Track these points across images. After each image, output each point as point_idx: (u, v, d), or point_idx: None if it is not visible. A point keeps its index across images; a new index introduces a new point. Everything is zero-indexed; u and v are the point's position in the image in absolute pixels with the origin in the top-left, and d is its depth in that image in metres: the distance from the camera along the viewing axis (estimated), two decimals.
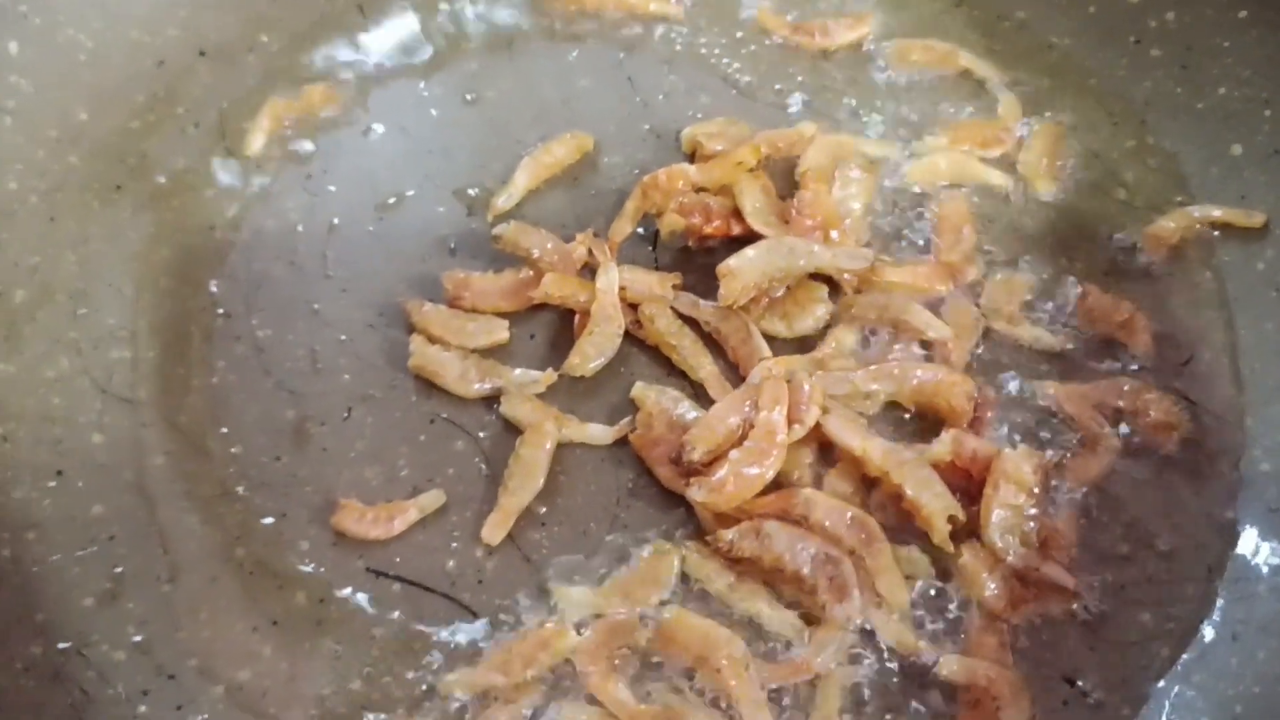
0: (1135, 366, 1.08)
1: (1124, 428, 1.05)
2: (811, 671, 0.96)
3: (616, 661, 0.96)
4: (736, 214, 1.13)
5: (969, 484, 1.02)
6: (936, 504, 0.98)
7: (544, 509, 1.03)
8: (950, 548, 0.98)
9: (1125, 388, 1.06)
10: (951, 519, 0.98)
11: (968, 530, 1.00)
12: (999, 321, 1.11)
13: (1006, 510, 0.99)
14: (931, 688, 0.95)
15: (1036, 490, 1.00)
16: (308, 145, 1.21)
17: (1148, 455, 1.04)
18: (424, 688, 0.96)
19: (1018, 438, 1.05)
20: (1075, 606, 0.98)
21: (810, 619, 0.98)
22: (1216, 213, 1.13)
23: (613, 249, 1.11)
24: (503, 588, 1.00)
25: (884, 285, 1.11)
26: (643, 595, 0.99)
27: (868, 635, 0.97)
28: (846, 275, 1.11)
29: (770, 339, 1.10)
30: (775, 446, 1.00)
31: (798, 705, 0.95)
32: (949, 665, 0.95)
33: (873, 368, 1.06)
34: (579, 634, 0.96)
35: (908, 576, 0.99)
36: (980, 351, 1.09)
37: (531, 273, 1.11)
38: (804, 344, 1.10)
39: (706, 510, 1.01)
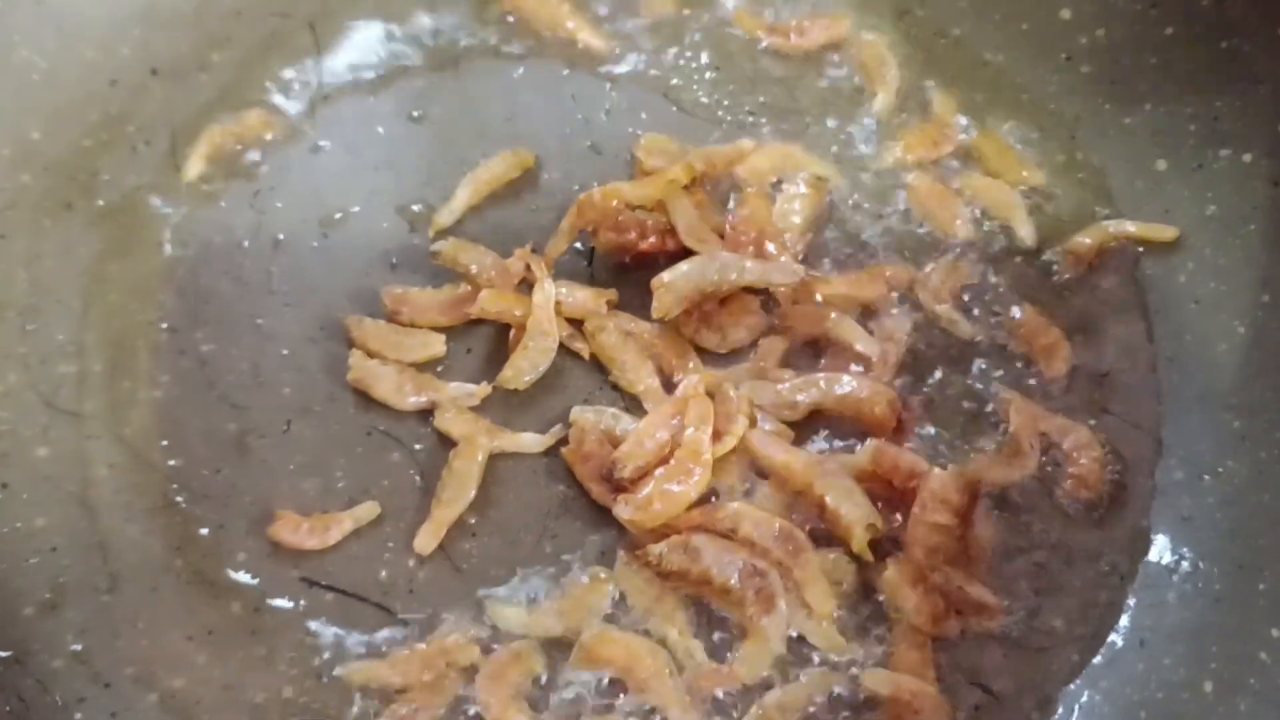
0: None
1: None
2: (739, 681, 0.98)
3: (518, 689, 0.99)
4: (672, 231, 1.15)
5: (891, 493, 1.04)
6: (855, 514, 1.01)
7: (475, 520, 1.06)
8: (869, 556, 1.01)
9: (1072, 435, 1.07)
10: (870, 527, 1.01)
11: (892, 541, 1.02)
12: (925, 294, 1.13)
13: (932, 529, 1.01)
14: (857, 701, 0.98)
15: (964, 510, 1.02)
16: (255, 163, 1.23)
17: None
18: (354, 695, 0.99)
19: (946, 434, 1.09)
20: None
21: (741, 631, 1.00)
22: (1130, 227, 1.15)
23: (548, 265, 1.14)
24: (433, 597, 1.03)
25: (817, 297, 1.14)
26: (576, 619, 1.01)
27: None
28: (780, 289, 1.13)
29: (704, 351, 1.12)
30: (700, 464, 1.02)
31: None
32: (873, 678, 0.98)
33: (799, 379, 1.08)
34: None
35: (835, 583, 1.01)
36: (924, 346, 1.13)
37: (469, 288, 1.14)
38: (737, 356, 1.13)
39: (635, 526, 1.03)
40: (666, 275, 1.09)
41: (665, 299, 1.09)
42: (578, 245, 1.18)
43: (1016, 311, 1.13)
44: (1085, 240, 1.15)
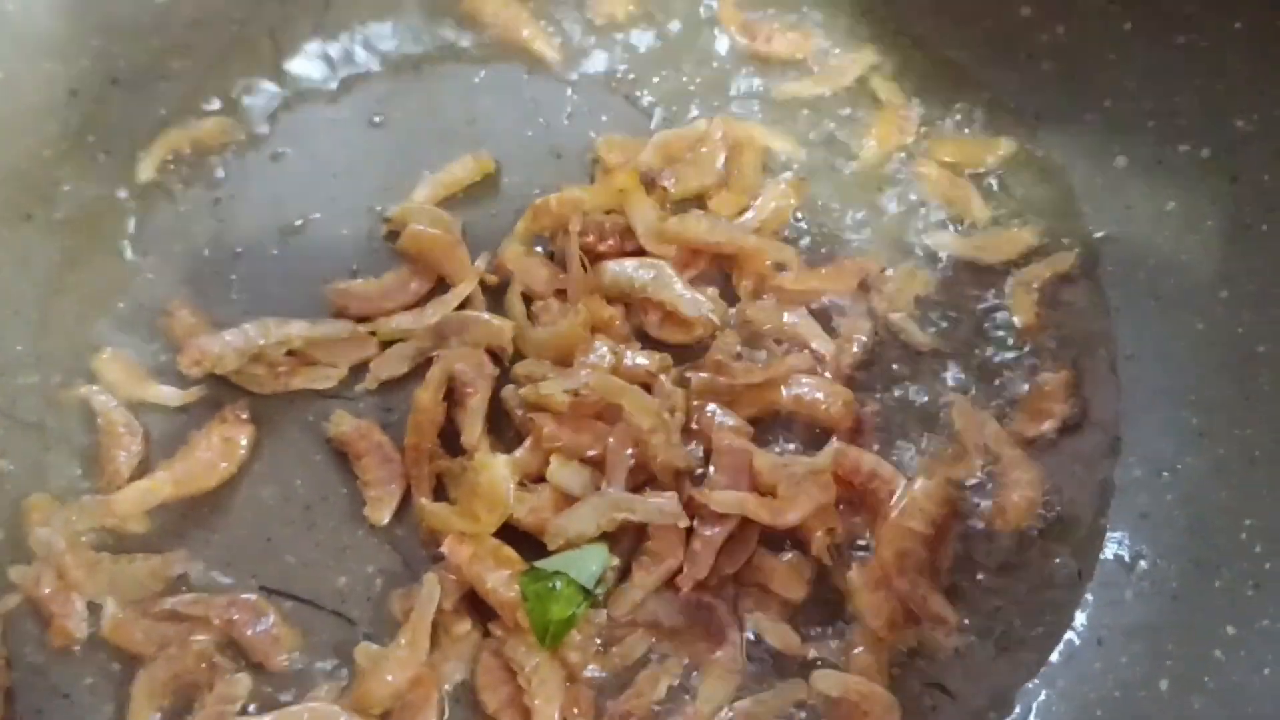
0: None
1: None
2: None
3: None
4: (631, 231, 1.15)
5: (851, 493, 1.04)
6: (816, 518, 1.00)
7: None
8: (828, 559, 1.00)
9: (1018, 470, 1.05)
10: (829, 531, 1.00)
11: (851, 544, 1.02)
12: (881, 303, 1.13)
13: (905, 534, 1.00)
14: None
15: (940, 521, 1.02)
16: (215, 171, 1.23)
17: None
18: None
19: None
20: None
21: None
22: (1044, 270, 1.15)
23: (500, 270, 1.14)
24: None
25: (782, 291, 1.13)
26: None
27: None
28: (745, 282, 1.13)
29: (665, 346, 1.12)
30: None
31: None
32: (822, 680, 0.97)
33: (756, 379, 1.08)
34: None
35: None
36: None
37: (410, 270, 1.15)
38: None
39: None
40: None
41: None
42: (539, 249, 1.18)
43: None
44: (1027, 312, 1.14)
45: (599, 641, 1.00)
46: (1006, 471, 1.05)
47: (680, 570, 0.99)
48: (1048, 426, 1.08)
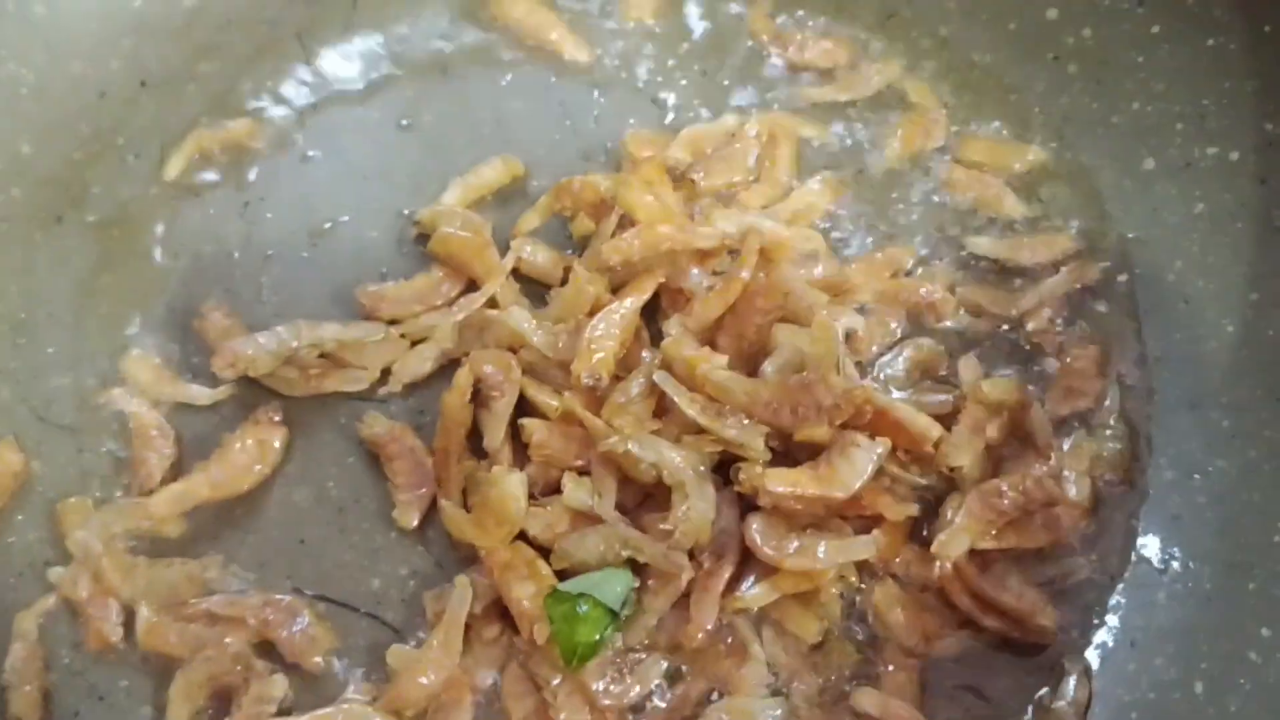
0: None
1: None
2: None
3: None
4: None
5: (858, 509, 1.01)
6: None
7: None
8: (837, 611, 1.00)
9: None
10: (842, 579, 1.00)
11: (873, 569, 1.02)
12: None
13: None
14: None
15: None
16: (245, 173, 1.23)
17: None
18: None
19: None
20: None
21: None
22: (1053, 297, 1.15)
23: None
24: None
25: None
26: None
27: None
28: None
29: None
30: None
31: None
32: (864, 698, 0.97)
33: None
34: None
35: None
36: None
37: (441, 273, 1.15)
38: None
39: None
40: None
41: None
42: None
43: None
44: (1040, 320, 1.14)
45: (616, 667, 0.98)
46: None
47: (689, 589, 0.97)
48: (1082, 405, 1.08)
